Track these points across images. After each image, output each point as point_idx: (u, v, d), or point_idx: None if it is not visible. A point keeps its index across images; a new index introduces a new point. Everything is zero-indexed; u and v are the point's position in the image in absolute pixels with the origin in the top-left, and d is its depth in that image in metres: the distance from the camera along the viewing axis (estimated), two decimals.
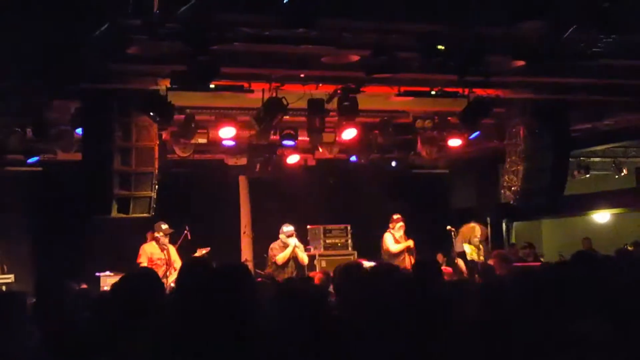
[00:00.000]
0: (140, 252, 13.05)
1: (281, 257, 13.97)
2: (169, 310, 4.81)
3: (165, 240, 13.14)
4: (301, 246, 14.29)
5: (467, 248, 13.80)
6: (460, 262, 13.58)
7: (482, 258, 13.39)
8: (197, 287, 4.05)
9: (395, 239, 14.39)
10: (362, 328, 4.10)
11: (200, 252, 13.51)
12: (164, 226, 13.05)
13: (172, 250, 13.25)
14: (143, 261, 12.83)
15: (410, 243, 14.33)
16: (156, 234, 13.11)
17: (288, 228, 14.09)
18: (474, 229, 13.88)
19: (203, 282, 3.97)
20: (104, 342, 4.07)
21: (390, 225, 14.54)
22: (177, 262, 13.13)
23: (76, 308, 6.29)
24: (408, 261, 13.99)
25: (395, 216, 14.55)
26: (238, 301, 3.86)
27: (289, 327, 4.08)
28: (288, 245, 13.98)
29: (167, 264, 12.99)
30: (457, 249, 14.04)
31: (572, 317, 3.84)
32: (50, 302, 5.78)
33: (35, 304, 6.27)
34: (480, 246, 13.82)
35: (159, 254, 13.04)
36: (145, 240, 13.33)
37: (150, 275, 4.81)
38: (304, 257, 14.12)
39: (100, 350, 3.78)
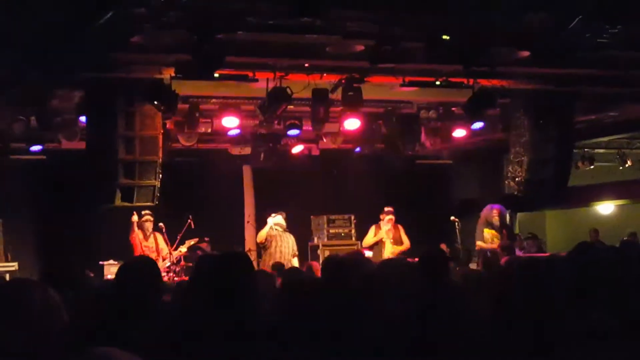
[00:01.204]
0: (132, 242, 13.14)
1: (259, 235, 14.00)
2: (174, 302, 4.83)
3: (148, 226, 13.15)
4: (280, 229, 14.04)
5: (487, 234, 13.71)
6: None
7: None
8: (204, 278, 4.06)
9: (375, 234, 14.24)
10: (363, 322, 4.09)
11: (189, 243, 13.55)
12: (144, 211, 13.05)
13: (160, 238, 13.32)
14: (137, 252, 12.89)
15: (383, 236, 14.08)
16: (133, 218, 13.10)
17: (276, 216, 14.05)
18: (492, 212, 13.78)
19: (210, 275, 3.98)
20: (105, 331, 4.08)
21: (381, 217, 14.33)
22: (165, 250, 13.20)
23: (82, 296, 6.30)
24: (385, 252, 13.85)
25: (387, 209, 14.30)
26: (238, 289, 3.87)
27: (291, 318, 4.07)
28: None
29: (156, 251, 13.06)
30: (477, 236, 13.93)
31: (579, 310, 3.84)
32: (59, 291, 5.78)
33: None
34: (504, 231, 13.70)
35: (146, 243, 13.11)
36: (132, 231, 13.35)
37: (148, 264, 4.80)
38: (289, 244, 13.97)
39: (101, 339, 3.79)
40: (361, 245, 14.36)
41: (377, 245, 14.13)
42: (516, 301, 3.98)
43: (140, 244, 13.08)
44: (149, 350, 3.45)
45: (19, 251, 15.05)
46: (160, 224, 13.37)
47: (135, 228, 13.18)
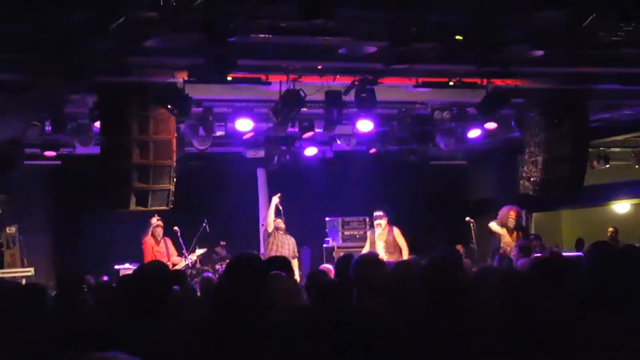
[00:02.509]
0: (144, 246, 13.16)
1: (268, 222, 13.82)
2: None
3: (159, 231, 13.18)
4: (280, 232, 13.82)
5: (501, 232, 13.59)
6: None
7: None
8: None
9: (371, 240, 13.81)
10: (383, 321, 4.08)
11: (197, 253, 13.58)
12: (153, 219, 13.05)
13: (169, 243, 13.36)
14: (148, 256, 12.92)
15: (375, 241, 13.60)
16: (152, 220, 13.13)
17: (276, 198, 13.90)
18: (509, 214, 13.67)
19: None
20: (121, 333, 4.08)
21: (375, 223, 13.89)
22: (174, 256, 13.23)
23: (96, 300, 6.32)
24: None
25: (375, 213, 13.79)
26: (251, 291, 3.86)
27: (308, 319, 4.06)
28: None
29: (167, 256, 13.09)
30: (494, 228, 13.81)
31: (598, 310, 3.81)
32: (71, 295, 5.80)
33: (55, 297, 6.30)
34: (517, 232, 13.51)
35: (157, 248, 13.15)
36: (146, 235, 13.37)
37: (160, 268, 4.81)
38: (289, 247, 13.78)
39: (117, 342, 3.79)
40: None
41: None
42: (535, 300, 3.95)
43: (152, 248, 13.11)
44: (161, 352, 3.44)
45: (35, 256, 15.12)
46: (175, 227, 13.39)
47: (150, 232, 13.21)
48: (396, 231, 13.72)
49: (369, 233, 14.15)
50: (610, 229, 17.35)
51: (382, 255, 13.29)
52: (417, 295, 4.26)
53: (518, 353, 3.68)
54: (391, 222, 13.75)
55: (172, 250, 13.36)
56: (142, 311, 4.15)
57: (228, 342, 3.63)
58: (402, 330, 3.95)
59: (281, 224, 13.77)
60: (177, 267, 12.97)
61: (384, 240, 13.64)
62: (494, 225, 13.46)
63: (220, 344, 3.64)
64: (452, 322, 3.89)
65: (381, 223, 13.65)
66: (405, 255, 13.18)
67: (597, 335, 3.57)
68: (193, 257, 13.50)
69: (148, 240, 13.20)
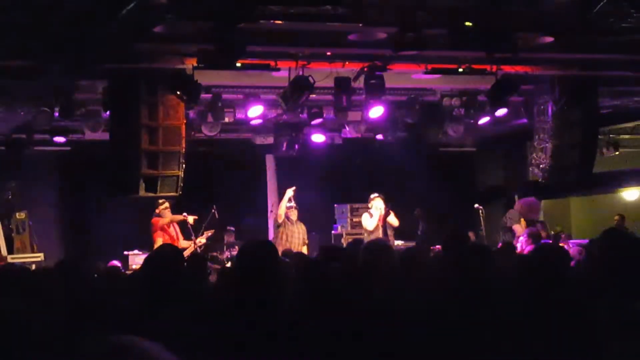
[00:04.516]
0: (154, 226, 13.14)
1: (279, 213, 13.91)
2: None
3: (166, 213, 13.14)
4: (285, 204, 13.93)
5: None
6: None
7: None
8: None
9: (370, 217, 13.82)
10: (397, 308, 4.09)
11: (207, 234, 13.56)
12: (160, 200, 13.01)
13: (178, 227, 13.36)
14: (158, 235, 12.92)
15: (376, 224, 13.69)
16: (162, 206, 13.13)
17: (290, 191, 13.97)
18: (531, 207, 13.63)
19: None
20: (131, 319, 4.11)
21: (369, 205, 13.95)
22: (181, 240, 13.24)
23: (106, 285, 6.34)
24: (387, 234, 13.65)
25: (372, 195, 13.87)
26: (263, 278, 3.88)
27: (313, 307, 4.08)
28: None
29: (176, 240, 13.11)
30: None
31: (611, 298, 3.80)
32: (77, 280, 5.82)
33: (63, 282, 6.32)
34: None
35: (167, 229, 13.15)
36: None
37: (175, 253, 4.83)
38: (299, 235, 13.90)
39: (126, 327, 3.81)
40: (367, 230, 13.86)
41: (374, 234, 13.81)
42: (546, 287, 3.95)
43: (162, 228, 13.04)
44: (176, 334, 3.47)
45: (45, 242, 15.18)
46: (185, 214, 13.39)
47: (158, 213, 13.15)
48: (391, 213, 13.83)
49: (364, 215, 14.04)
50: (617, 217, 17.29)
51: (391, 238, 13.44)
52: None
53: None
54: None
55: (180, 234, 13.37)
56: (157, 296, 4.17)
57: (247, 333, 3.64)
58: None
59: (293, 214, 13.81)
60: (186, 252, 12.99)
61: (389, 222, 13.77)
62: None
63: (239, 332, 3.65)
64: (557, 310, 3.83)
65: (381, 203, 13.69)
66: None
67: (610, 323, 3.57)
68: (202, 240, 13.51)
69: (159, 219, 13.15)
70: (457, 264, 4.12)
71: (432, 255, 8.06)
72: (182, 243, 13.25)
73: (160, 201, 12.87)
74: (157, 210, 13.12)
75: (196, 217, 13.43)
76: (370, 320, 3.88)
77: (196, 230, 13.49)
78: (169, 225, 13.19)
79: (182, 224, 13.54)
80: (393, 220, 13.81)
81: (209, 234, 13.69)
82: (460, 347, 3.62)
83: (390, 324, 3.85)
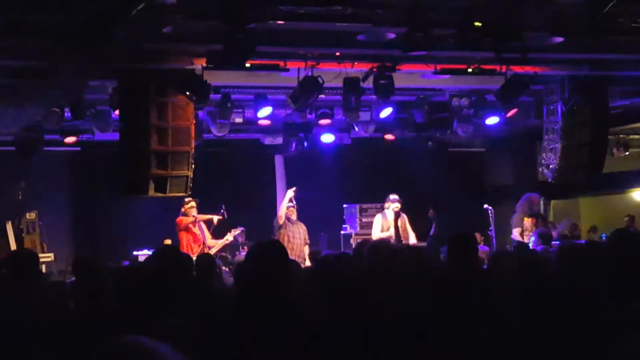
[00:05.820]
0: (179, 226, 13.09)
1: (279, 215, 13.77)
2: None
3: (193, 213, 13.07)
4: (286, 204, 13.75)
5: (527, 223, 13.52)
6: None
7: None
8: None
9: (383, 222, 13.59)
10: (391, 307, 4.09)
11: (234, 232, 13.55)
12: (187, 199, 12.90)
13: (205, 226, 13.33)
14: (183, 235, 12.91)
15: (391, 226, 13.46)
16: (189, 205, 13.09)
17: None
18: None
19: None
20: (138, 318, 4.12)
21: (385, 205, 13.72)
22: (209, 239, 13.21)
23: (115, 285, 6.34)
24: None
25: (392, 196, 13.61)
26: (273, 278, 3.88)
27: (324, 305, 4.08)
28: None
29: (203, 243, 13.07)
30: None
31: (619, 298, 3.79)
32: (88, 280, 5.84)
33: (73, 283, 6.35)
34: (534, 219, 13.42)
35: (194, 228, 13.10)
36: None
37: (177, 254, 4.84)
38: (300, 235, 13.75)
39: (133, 327, 3.83)
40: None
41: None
42: (555, 287, 3.94)
43: (188, 226, 12.98)
44: (185, 335, 3.47)
45: (55, 242, 15.22)
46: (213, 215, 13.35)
47: (184, 212, 13.08)
48: (406, 219, 13.69)
49: (377, 217, 13.88)
50: (626, 217, 17.24)
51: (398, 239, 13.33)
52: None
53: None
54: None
55: (207, 233, 13.32)
56: (161, 298, 4.18)
57: (256, 335, 3.64)
58: None
59: (292, 214, 13.74)
60: (212, 250, 12.97)
61: (399, 225, 13.61)
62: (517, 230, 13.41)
63: (246, 334, 3.66)
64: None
65: (399, 207, 13.55)
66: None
67: (619, 324, 3.56)
68: (230, 237, 13.49)
69: (183, 219, 13.11)
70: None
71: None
72: (210, 242, 13.22)
73: (187, 200, 12.82)
74: (182, 209, 13.11)
75: (221, 218, 13.43)
76: (375, 321, 3.88)
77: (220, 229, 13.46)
78: (194, 225, 13.15)
79: (208, 222, 13.49)
80: (408, 230, 13.65)
81: (237, 231, 13.68)
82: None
83: (394, 324, 3.85)
